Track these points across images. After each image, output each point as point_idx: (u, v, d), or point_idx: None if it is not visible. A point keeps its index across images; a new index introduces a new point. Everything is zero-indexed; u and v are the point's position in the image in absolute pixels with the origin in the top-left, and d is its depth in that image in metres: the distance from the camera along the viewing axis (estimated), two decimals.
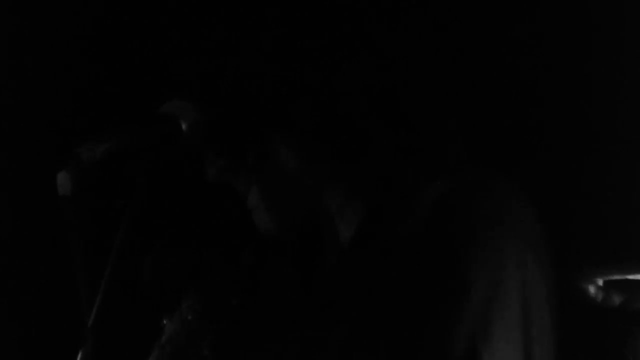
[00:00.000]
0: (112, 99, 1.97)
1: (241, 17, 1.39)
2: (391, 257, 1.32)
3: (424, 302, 1.27)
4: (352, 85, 1.36)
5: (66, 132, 1.93)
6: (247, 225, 1.44)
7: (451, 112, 1.43)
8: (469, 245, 1.27)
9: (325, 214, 1.42)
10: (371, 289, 1.32)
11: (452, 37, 1.58)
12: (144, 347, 1.48)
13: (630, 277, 1.52)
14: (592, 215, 1.68)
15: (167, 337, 1.47)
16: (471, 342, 1.24)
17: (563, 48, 1.71)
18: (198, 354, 1.45)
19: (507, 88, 1.73)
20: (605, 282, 1.53)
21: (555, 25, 1.70)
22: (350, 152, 1.38)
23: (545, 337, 1.30)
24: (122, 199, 1.30)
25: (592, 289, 1.53)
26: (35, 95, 2.03)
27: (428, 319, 1.26)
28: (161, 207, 1.76)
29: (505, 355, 1.25)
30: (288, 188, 1.41)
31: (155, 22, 1.89)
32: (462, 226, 1.28)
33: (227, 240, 1.57)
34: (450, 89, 1.45)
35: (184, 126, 1.37)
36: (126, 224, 1.29)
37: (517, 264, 1.27)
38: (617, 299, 1.53)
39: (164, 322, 1.49)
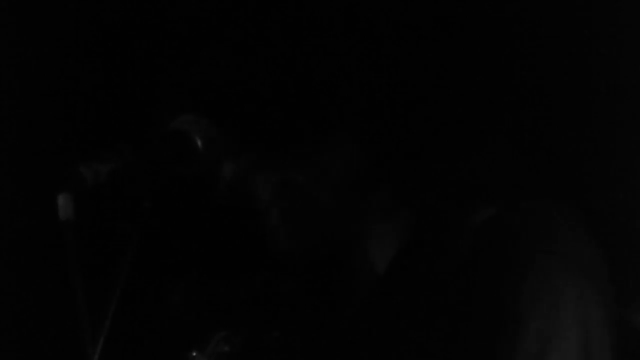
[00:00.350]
0: (115, 104, 1.94)
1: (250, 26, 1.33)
2: (436, 291, 1.24)
3: (472, 342, 1.19)
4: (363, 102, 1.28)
5: (66, 134, 1.91)
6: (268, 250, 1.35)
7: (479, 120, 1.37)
8: (520, 279, 1.18)
9: (354, 236, 1.34)
10: (414, 325, 1.25)
11: (455, 41, 1.49)
12: None
13: None
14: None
15: None
16: None
17: (562, 48, 1.67)
18: None
19: (504, 89, 1.65)
20: None
21: (556, 26, 1.67)
22: (372, 171, 1.29)
23: None
24: (128, 224, 1.20)
25: None
26: (36, 98, 1.98)
27: None
28: (174, 233, 1.69)
29: None
30: (309, 210, 1.32)
31: (163, 28, 1.87)
32: (511, 259, 1.20)
33: (259, 267, 1.48)
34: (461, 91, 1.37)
35: (199, 143, 1.27)
36: (131, 253, 1.19)
37: (575, 299, 1.18)
38: None
39: (193, 354, 1.39)
